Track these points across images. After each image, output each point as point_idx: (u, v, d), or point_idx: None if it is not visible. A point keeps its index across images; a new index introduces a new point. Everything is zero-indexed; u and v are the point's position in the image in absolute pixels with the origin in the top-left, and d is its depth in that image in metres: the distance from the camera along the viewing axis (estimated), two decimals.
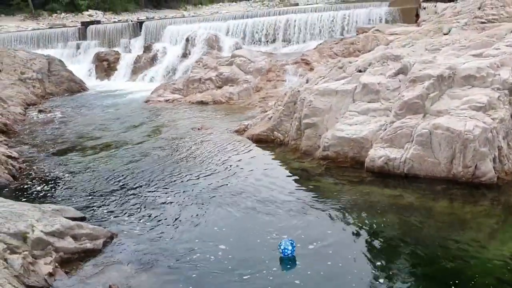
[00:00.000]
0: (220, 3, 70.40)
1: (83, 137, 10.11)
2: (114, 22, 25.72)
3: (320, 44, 14.18)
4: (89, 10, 46.56)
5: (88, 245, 5.02)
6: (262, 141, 8.50)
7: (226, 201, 6.06)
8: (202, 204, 6.04)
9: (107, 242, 5.15)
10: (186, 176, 7.13)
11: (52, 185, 7.22)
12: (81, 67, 19.31)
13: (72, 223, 5.15)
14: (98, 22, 25.04)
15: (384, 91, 6.84)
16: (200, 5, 66.70)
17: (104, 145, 9.27)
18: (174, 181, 6.96)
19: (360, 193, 6.17)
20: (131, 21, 23.05)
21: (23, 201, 6.42)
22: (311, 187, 6.49)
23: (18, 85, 14.82)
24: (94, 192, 6.77)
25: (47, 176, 7.66)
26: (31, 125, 11.79)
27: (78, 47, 20.81)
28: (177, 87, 13.86)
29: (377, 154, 6.40)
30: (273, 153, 8.02)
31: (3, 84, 14.47)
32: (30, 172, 7.93)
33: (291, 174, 7.05)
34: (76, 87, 16.72)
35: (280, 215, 5.59)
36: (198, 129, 9.85)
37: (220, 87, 12.93)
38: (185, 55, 17.23)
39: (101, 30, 20.90)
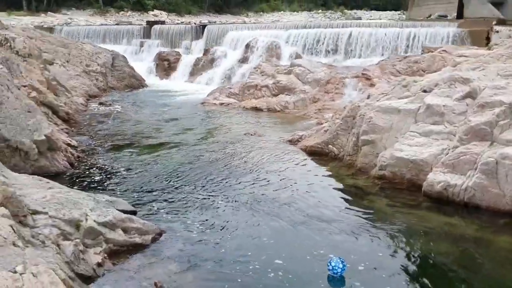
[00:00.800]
0: (282, 12, 70.93)
1: (139, 133, 10.31)
2: (178, 23, 26.34)
3: (383, 60, 13.89)
4: (154, 10, 48.04)
5: (137, 239, 5.07)
6: (315, 154, 8.36)
7: (276, 212, 5.97)
8: (252, 212, 5.97)
9: (155, 238, 5.18)
10: (237, 181, 7.10)
11: (107, 177, 7.38)
12: (142, 64, 19.84)
13: (124, 216, 5.21)
14: (163, 22, 25.72)
15: (450, 114, 6.56)
16: (261, 13, 67.48)
17: (159, 143, 9.40)
18: (226, 185, 6.94)
19: (415, 218, 5.93)
20: (194, 23, 23.49)
21: (78, 189, 6.60)
22: (364, 206, 6.29)
23: (83, 77, 15.38)
24: (146, 188, 6.86)
25: (103, 167, 7.83)
26: (91, 116, 12.17)
27: (141, 45, 21.42)
28: (233, 91, 13.94)
29: (437, 178, 6.13)
30: (326, 167, 7.87)
31: (69, 74, 15.04)
32: (87, 162, 8.14)
33: (344, 191, 6.86)
34: (136, 83, 17.18)
35: (331, 232, 5.44)
36: (251, 134, 9.83)
37: (276, 95, 12.89)
38: (243, 61, 17.34)
39: (165, 30, 21.43)
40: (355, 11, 79.02)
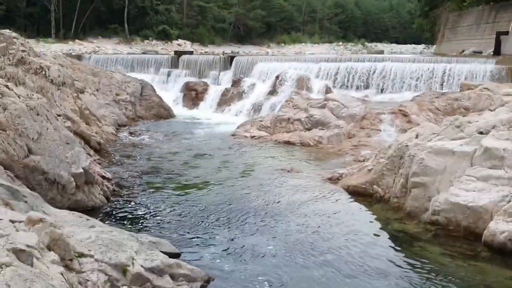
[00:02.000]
0: (303, 43, 71.51)
1: (172, 166, 10.08)
2: (206, 54, 26.55)
3: (418, 96, 13.60)
4: (178, 39, 48.73)
5: (185, 287, 4.75)
6: (359, 194, 8.00)
7: (319, 260, 5.59)
8: (294, 257, 5.63)
9: (204, 286, 4.86)
10: (276, 223, 6.75)
11: (144, 213, 7.12)
12: (170, 94, 19.84)
13: (172, 261, 4.91)
14: (191, 52, 25.90)
15: (510, 158, 6.19)
16: (283, 44, 68.12)
17: (193, 177, 9.13)
18: (266, 228, 6.59)
19: (474, 270, 5.50)
20: (223, 54, 23.59)
21: (116, 226, 6.35)
22: (414, 254, 5.88)
23: (112, 106, 15.35)
24: (185, 227, 6.57)
25: (138, 203, 7.59)
26: (122, 146, 12.02)
27: (169, 74, 21.50)
28: (264, 124, 13.73)
29: (499, 228, 5.73)
30: (371, 209, 7.50)
31: (99, 103, 15.02)
32: (122, 196, 7.91)
33: (392, 237, 6.45)
34: (164, 113, 17.11)
35: (377, 284, 5.06)
36: (288, 171, 9.53)
37: (309, 129, 12.62)
38: (272, 93, 17.19)
39: (193, 60, 21.52)
40: (375, 43, 79.32)
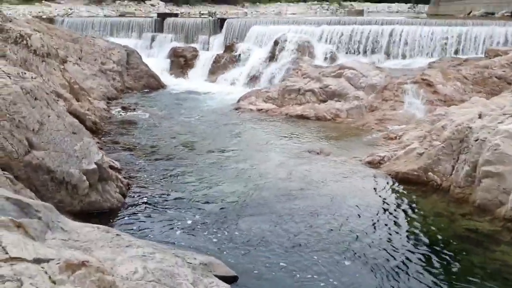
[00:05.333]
0: (278, 3, 69.24)
1: (181, 150, 8.88)
2: (189, 16, 24.79)
3: (434, 62, 12.65)
4: (151, 0, 46.12)
5: None
6: (409, 182, 7.05)
7: (380, 269, 4.71)
8: (351, 264, 4.69)
9: None
10: (320, 219, 5.82)
11: (171, 214, 6.01)
12: (155, 61, 18.24)
13: None
14: (176, 15, 24.08)
15: None
16: (258, 3, 65.74)
17: (208, 164, 7.96)
18: (314, 228, 5.62)
19: None
20: (211, 17, 21.95)
21: (145, 236, 5.26)
22: (492, 260, 4.93)
23: (99, 77, 13.85)
24: (224, 232, 5.50)
25: (159, 198, 6.46)
26: (118, 124, 10.72)
27: (153, 39, 19.84)
28: (271, 95, 12.57)
29: None
30: (428, 201, 6.57)
31: (84, 74, 13.51)
32: (137, 190, 6.76)
33: (459, 236, 5.49)
34: (155, 83, 15.68)
35: None
36: (317, 153, 8.51)
37: (323, 101, 11.55)
38: (271, 59, 15.93)
39: (179, 23, 19.85)
40: (350, 3, 77.41)
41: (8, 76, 6.28)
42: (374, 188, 6.97)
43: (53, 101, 6.33)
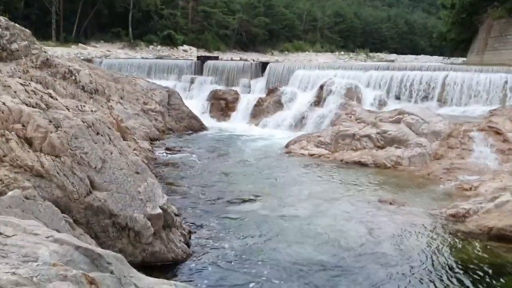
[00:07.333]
0: (306, 52, 69.91)
1: (238, 191, 8.21)
2: (233, 60, 24.76)
3: (496, 109, 11.88)
4: (184, 45, 46.83)
5: None
6: (505, 239, 6.17)
7: None
8: None
9: None
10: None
11: (245, 269, 5.24)
12: (194, 103, 17.92)
13: None
14: (216, 58, 24.03)
15: None
16: (286, 52, 66.45)
17: (270, 210, 7.27)
18: None
19: None
20: (253, 60, 21.74)
21: None
22: None
23: (142, 117, 13.43)
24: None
25: (225, 249, 5.71)
26: (165, 167, 10.09)
27: (192, 81, 19.60)
28: (323, 140, 11.89)
29: None
30: None
31: (127, 113, 13.09)
32: (203, 239, 6.03)
33: None
34: (196, 125, 15.23)
35: None
36: (390, 204, 7.69)
37: (381, 148, 10.81)
38: (317, 104, 15.38)
39: (220, 67, 19.63)
40: (377, 54, 77.81)
41: (66, 108, 5.76)
42: (467, 249, 6.08)
43: (116, 137, 5.74)
